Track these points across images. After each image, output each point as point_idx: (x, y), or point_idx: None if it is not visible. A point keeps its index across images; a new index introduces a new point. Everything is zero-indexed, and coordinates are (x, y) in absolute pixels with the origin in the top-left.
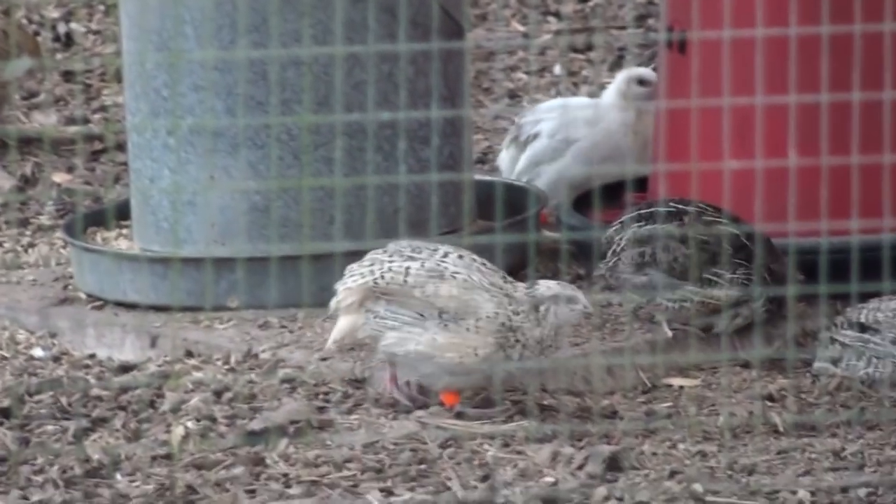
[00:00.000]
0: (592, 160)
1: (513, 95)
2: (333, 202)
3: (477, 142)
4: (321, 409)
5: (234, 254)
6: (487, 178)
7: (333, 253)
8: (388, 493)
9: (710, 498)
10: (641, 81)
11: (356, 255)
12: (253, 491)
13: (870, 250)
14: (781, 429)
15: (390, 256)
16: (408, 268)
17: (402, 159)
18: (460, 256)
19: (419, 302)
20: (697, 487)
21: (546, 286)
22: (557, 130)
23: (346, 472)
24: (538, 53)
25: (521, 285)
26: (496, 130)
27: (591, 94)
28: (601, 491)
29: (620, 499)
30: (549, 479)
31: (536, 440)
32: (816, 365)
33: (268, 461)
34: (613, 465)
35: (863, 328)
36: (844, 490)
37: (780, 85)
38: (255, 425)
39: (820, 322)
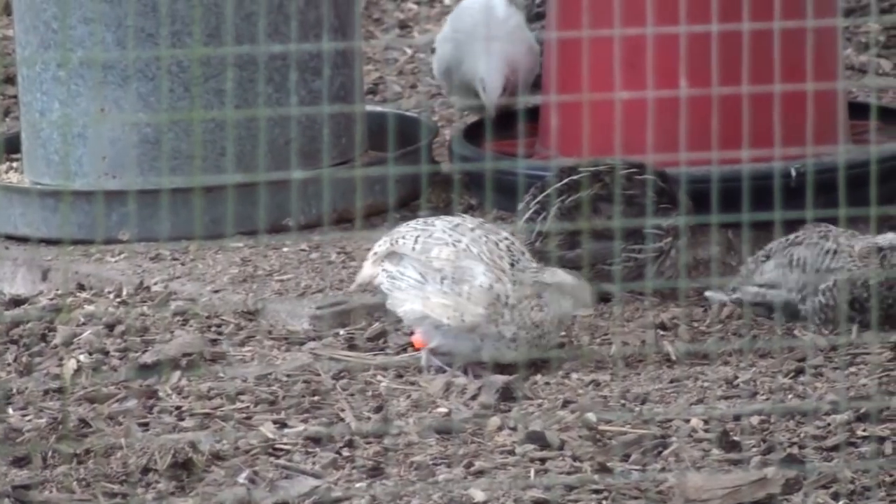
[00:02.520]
0: None
1: (403, 26)
2: (225, 134)
3: (368, 73)
4: (214, 342)
5: (125, 186)
6: (379, 108)
7: (225, 185)
8: (281, 424)
9: (603, 427)
10: None
11: (247, 187)
12: (146, 424)
13: (760, 178)
14: (674, 357)
15: (409, 228)
16: (417, 237)
17: (293, 91)
18: (472, 229)
19: (423, 266)
20: (591, 416)
21: (550, 273)
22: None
23: (239, 405)
24: None
25: (532, 267)
26: (387, 61)
27: None
28: (494, 421)
29: (514, 428)
30: (443, 410)
31: (430, 371)
32: (708, 294)
33: (160, 394)
34: (507, 395)
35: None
36: (737, 418)
37: (670, 15)
38: (148, 358)
39: (712, 250)
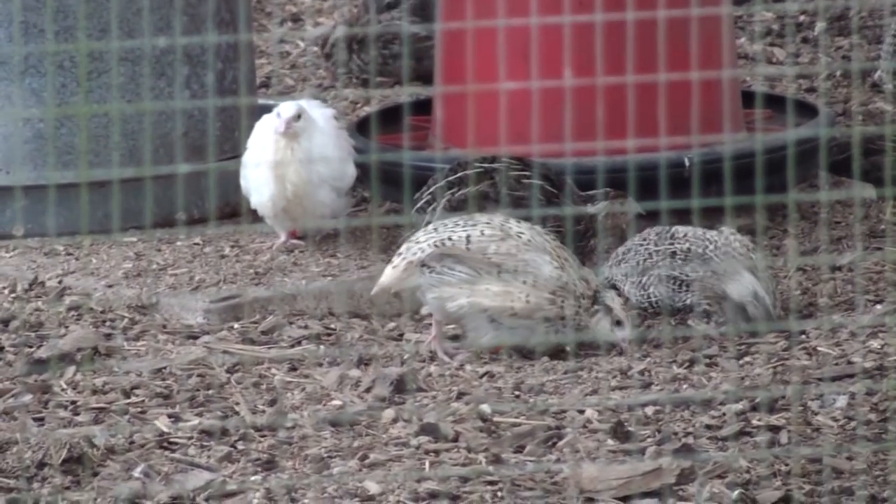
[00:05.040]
0: None
1: (295, 19)
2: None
3: (260, 66)
4: (108, 336)
5: (16, 182)
6: (271, 101)
7: (112, 180)
8: (176, 418)
9: (497, 418)
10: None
11: (137, 182)
12: (41, 419)
13: (649, 169)
14: (567, 348)
15: (453, 226)
16: (468, 235)
17: (183, 85)
18: (519, 222)
19: (478, 262)
20: (485, 408)
21: (611, 297)
22: None
23: (133, 399)
24: None
25: (593, 277)
26: (280, 55)
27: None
28: (389, 413)
29: (408, 420)
30: (337, 402)
31: (323, 364)
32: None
33: (55, 389)
34: (401, 387)
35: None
36: (631, 408)
37: (556, 6)
38: (42, 353)
39: (599, 239)
